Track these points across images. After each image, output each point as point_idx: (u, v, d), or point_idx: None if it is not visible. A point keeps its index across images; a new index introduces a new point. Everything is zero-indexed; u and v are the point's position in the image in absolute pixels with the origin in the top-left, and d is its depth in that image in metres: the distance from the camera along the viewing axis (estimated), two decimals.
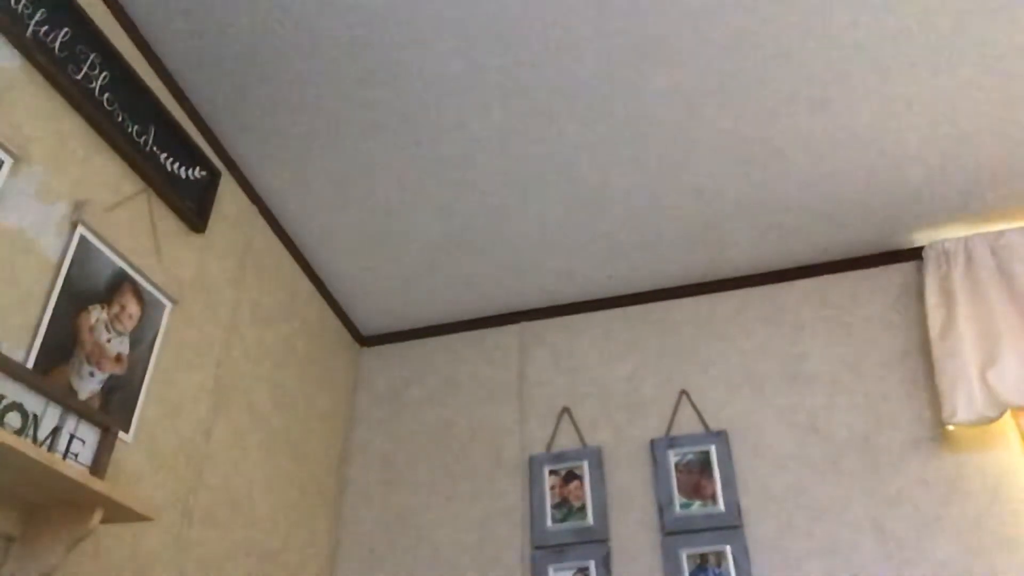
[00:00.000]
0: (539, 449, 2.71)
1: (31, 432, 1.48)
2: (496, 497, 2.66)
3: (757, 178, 2.42)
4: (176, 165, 2.11)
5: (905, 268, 2.66)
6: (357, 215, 2.61)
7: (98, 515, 1.47)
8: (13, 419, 1.45)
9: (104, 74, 1.88)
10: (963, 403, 2.26)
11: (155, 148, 2.04)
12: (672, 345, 2.79)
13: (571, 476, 2.59)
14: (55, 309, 1.64)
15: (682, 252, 2.73)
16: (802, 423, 2.50)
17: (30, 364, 1.55)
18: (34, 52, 1.66)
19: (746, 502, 2.41)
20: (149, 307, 1.94)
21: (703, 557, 2.33)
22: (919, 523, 2.25)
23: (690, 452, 2.52)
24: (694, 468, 2.49)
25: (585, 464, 2.60)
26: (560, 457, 2.64)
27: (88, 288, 1.75)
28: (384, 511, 2.75)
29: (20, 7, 1.64)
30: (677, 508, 2.44)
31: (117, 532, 1.73)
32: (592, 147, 2.34)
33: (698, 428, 2.59)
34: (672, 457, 2.53)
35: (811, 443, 2.46)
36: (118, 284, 1.85)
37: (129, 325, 1.86)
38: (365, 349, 3.18)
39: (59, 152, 1.73)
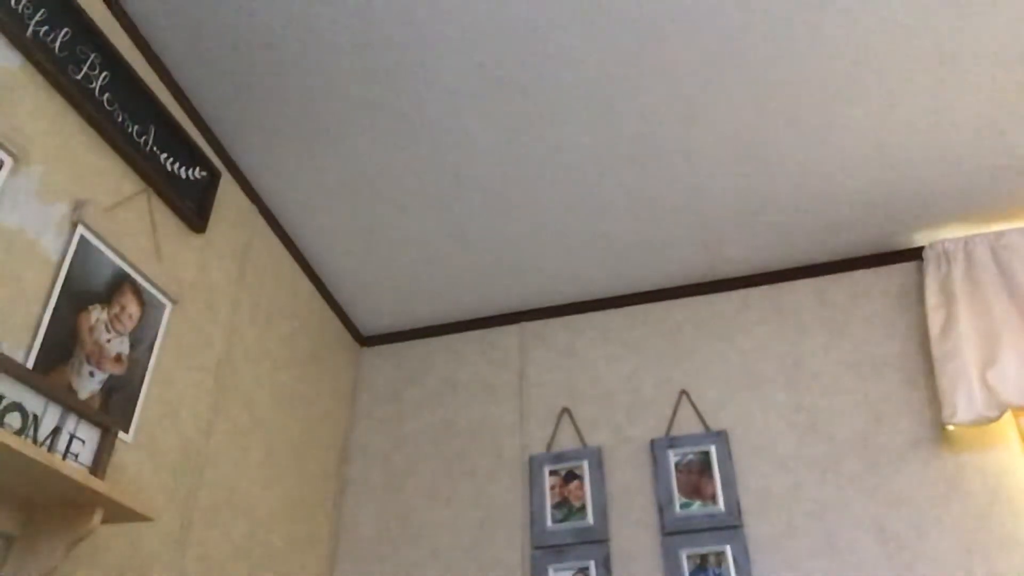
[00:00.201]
0: (539, 449, 2.71)
1: (31, 432, 1.48)
2: (496, 497, 2.66)
3: (757, 178, 2.42)
4: (176, 165, 2.11)
5: (905, 268, 2.66)
6: (357, 215, 2.61)
7: (98, 515, 1.47)
8: (13, 419, 1.45)
9: (104, 74, 1.88)
10: (963, 403, 2.26)
11: (155, 148, 2.04)
12: (672, 345, 2.79)
13: (571, 476, 2.59)
14: (55, 309, 1.64)
15: (682, 252, 2.73)
16: (802, 423, 2.50)
17: (30, 364, 1.55)
18: (34, 52, 1.66)
19: (746, 502, 2.41)
20: (149, 307, 1.94)
21: (703, 557, 2.33)
22: (919, 523, 2.25)
23: (690, 452, 2.52)
24: (694, 468, 2.49)
25: (585, 464, 2.60)
26: (560, 457, 2.64)
27: (88, 288, 1.75)
28: (384, 511, 2.75)
29: (20, 7, 1.64)
30: (677, 508, 2.44)
31: (117, 532, 1.73)
32: (592, 147, 2.34)
33: (698, 428, 2.59)
34: (672, 457, 2.53)
35: (811, 443, 2.46)
36: (118, 284, 1.85)
37: (129, 325, 1.86)
38: (365, 349, 3.18)
39: (59, 152, 1.73)
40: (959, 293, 2.44)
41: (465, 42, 2.05)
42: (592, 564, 2.41)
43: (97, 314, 1.77)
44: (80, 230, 1.74)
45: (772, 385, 2.60)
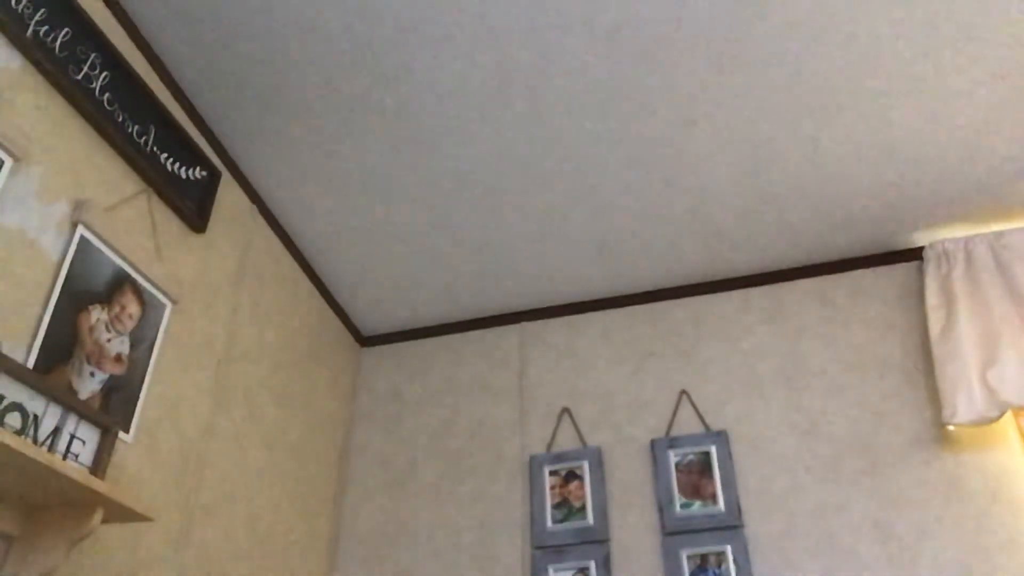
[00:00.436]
0: (539, 449, 2.71)
1: (31, 432, 1.48)
2: (496, 497, 2.66)
3: (757, 178, 2.42)
4: (176, 165, 2.11)
5: (905, 268, 2.66)
6: (357, 215, 2.61)
7: (98, 515, 1.47)
8: (13, 419, 1.45)
9: (104, 74, 1.88)
10: (963, 403, 2.26)
11: (155, 148, 2.04)
12: (672, 345, 2.79)
13: (571, 476, 2.59)
14: (55, 309, 1.64)
15: (682, 252, 2.73)
16: (802, 423, 2.50)
17: (30, 364, 1.55)
18: (34, 52, 1.66)
19: (746, 502, 2.41)
20: (149, 307, 1.94)
21: (703, 557, 2.33)
22: (919, 523, 2.25)
23: (690, 452, 2.52)
24: (694, 468, 2.49)
25: (585, 464, 2.60)
26: (560, 457, 2.64)
27: (88, 288, 1.75)
28: (384, 511, 2.75)
29: (20, 7, 1.64)
30: (677, 508, 2.43)
31: (117, 532, 1.73)
32: (593, 147, 2.34)
33: (698, 428, 2.59)
34: (672, 457, 2.53)
35: (811, 443, 2.46)
36: (118, 284, 1.85)
37: (129, 325, 1.86)
38: (365, 349, 3.18)
39: (59, 152, 1.73)
40: (959, 293, 2.44)
41: (466, 43, 2.05)
42: (592, 564, 2.41)
43: (97, 314, 1.77)
44: (80, 230, 1.74)
45: (772, 385, 2.60)
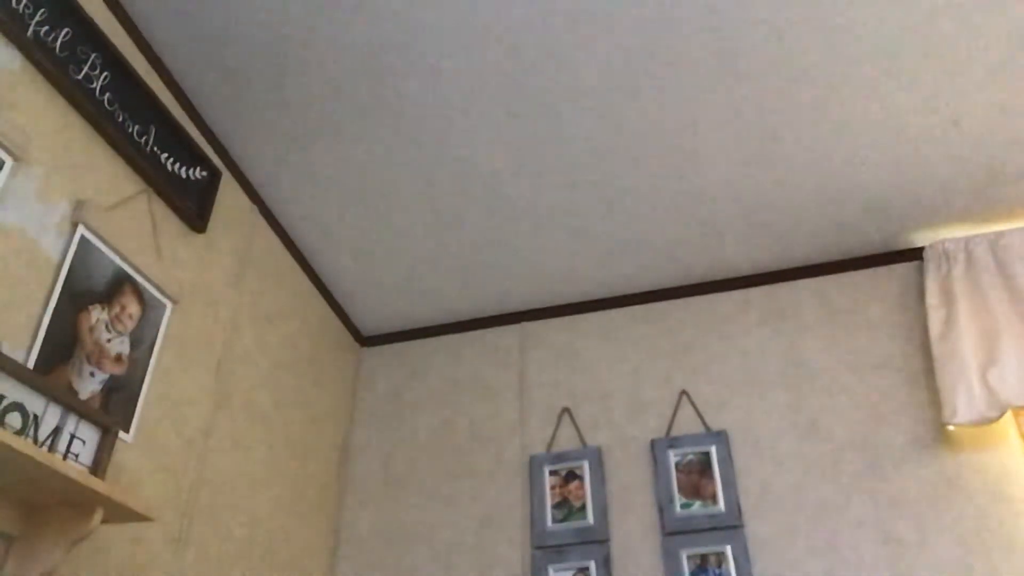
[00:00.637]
0: (539, 449, 2.71)
1: (32, 432, 1.48)
2: (496, 497, 2.66)
3: (757, 178, 2.42)
4: (176, 165, 2.11)
5: (905, 268, 2.66)
6: (357, 215, 2.61)
7: (98, 515, 1.47)
8: (14, 419, 1.45)
9: (105, 74, 1.88)
10: (963, 403, 2.26)
11: (155, 148, 2.04)
12: (672, 345, 2.79)
13: (571, 476, 2.59)
14: (55, 309, 1.64)
15: (682, 252, 2.73)
16: (802, 423, 2.50)
17: (30, 364, 1.55)
18: (35, 52, 1.66)
19: (746, 502, 2.41)
20: (149, 307, 1.94)
21: (703, 557, 2.33)
22: (919, 523, 2.25)
23: (690, 452, 2.52)
24: (694, 468, 2.49)
25: (585, 464, 2.60)
26: (560, 457, 2.64)
27: (88, 288, 1.75)
28: (384, 511, 2.75)
29: (21, 7, 1.64)
30: (677, 508, 2.43)
31: (117, 532, 1.73)
32: (593, 147, 2.34)
33: (698, 428, 2.59)
34: (672, 457, 2.53)
35: (811, 443, 2.46)
36: (118, 284, 1.85)
37: (129, 325, 1.86)
38: (365, 349, 3.18)
39: (59, 152, 1.73)
40: (959, 293, 2.44)
41: (466, 44, 2.05)
42: (592, 564, 2.41)
43: (97, 314, 1.77)
44: (80, 230, 1.74)
45: (772, 385, 2.60)
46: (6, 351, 1.48)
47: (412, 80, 2.15)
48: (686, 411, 2.64)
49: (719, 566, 2.30)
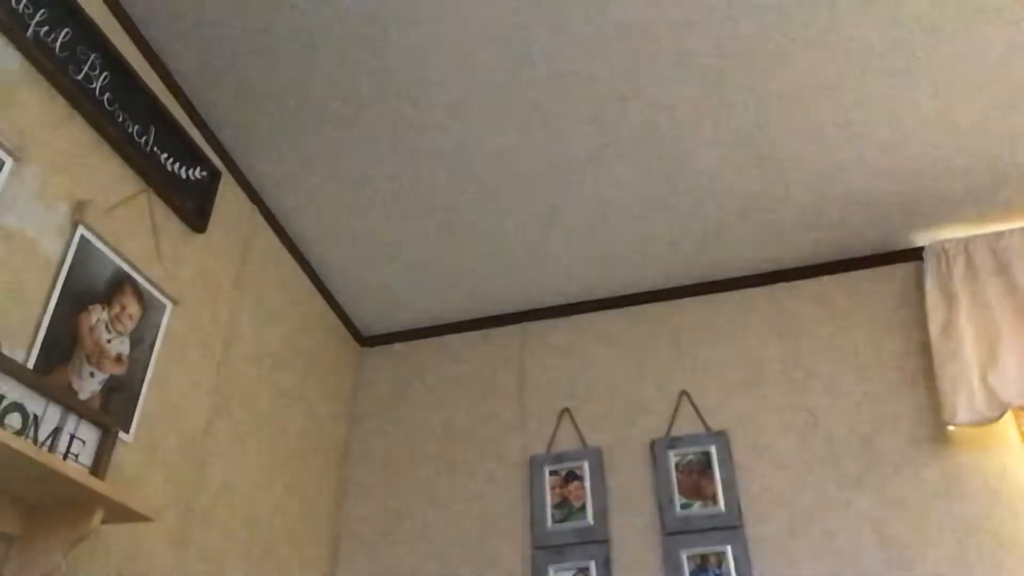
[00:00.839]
0: (539, 449, 2.71)
1: (32, 432, 1.48)
2: (496, 497, 2.66)
3: (758, 178, 2.42)
4: (176, 165, 2.11)
5: (905, 268, 2.66)
6: (357, 215, 2.61)
7: (98, 515, 1.47)
8: (14, 419, 1.45)
9: (105, 74, 1.88)
10: (964, 404, 2.26)
11: (155, 148, 2.04)
12: (672, 345, 2.78)
13: (571, 476, 2.59)
14: (55, 309, 1.64)
15: (682, 252, 2.73)
16: (802, 423, 2.50)
17: (30, 364, 1.55)
18: (34, 52, 1.66)
19: (746, 502, 2.41)
20: (149, 307, 1.94)
21: (703, 557, 2.33)
22: (919, 523, 2.25)
23: (690, 452, 2.52)
24: (694, 468, 2.49)
25: (585, 464, 2.60)
26: (560, 457, 2.64)
27: (88, 288, 1.75)
28: (384, 511, 2.75)
29: (21, 7, 1.64)
30: (677, 508, 2.43)
31: (117, 532, 1.73)
32: (593, 148, 2.33)
33: (698, 428, 2.59)
34: (672, 457, 2.53)
35: (811, 443, 2.46)
36: (118, 284, 1.85)
37: (129, 325, 1.86)
38: (366, 349, 3.18)
39: (59, 152, 1.73)
40: (959, 293, 2.44)
41: (466, 43, 2.05)
42: (592, 564, 2.41)
43: (97, 314, 1.77)
44: (80, 230, 1.74)
45: (772, 385, 2.60)
46: (6, 351, 1.48)
47: (412, 81, 2.15)
48: (686, 411, 2.64)
49: (719, 566, 2.30)
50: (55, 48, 1.73)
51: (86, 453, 1.59)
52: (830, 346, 2.61)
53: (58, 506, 1.48)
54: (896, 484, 2.32)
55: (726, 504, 2.40)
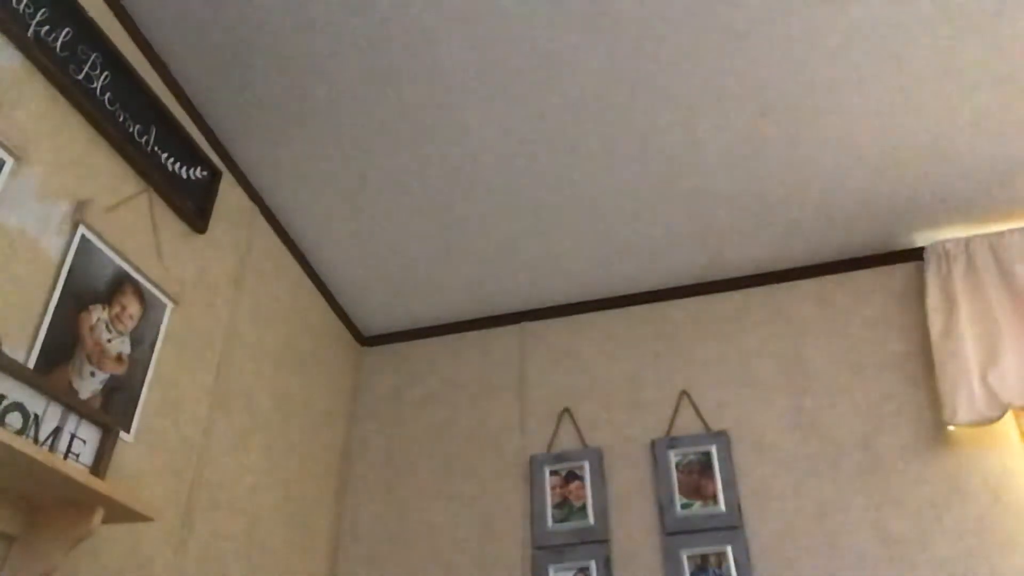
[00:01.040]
0: (540, 449, 2.71)
1: (32, 432, 1.48)
2: (497, 497, 2.66)
3: (757, 178, 2.42)
4: (177, 165, 2.11)
5: (906, 268, 2.66)
6: (358, 215, 2.61)
7: (99, 515, 1.47)
8: (14, 419, 1.45)
9: (105, 74, 1.88)
10: (964, 404, 2.26)
11: (156, 148, 2.04)
12: (672, 345, 2.78)
13: (572, 476, 2.59)
14: (56, 309, 1.64)
15: (682, 252, 2.73)
16: (802, 423, 2.50)
17: (31, 364, 1.55)
18: (35, 52, 1.66)
19: (746, 502, 2.41)
20: (150, 307, 1.94)
21: (704, 557, 2.33)
22: (919, 523, 2.25)
23: (691, 452, 2.52)
24: (695, 468, 2.49)
25: (586, 464, 2.60)
26: (561, 457, 2.64)
27: (89, 288, 1.75)
28: (385, 511, 2.75)
29: (21, 7, 1.64)
30: (678, 508, 2.43)
31: (117, 532, 1.73)
32: (592, 148, 2.34)
33: (699, 428, 2.59)
34: (673, 457, 2.53)
35: (811, 443, 2.46)
36: (119, 284, 1.85)
37: (130, 325, 1.86)
38: (366, 349, 3.18)
39: (60, 152, 1.73)
40: (960, 294, 2.44)
41: (466, 43, 2.05)
42: (593, 564, 2.41)
43: (98, 314, 1.77)
44: (81, 230, 1.74)
45: (772, 385, 2.60)
46: (6, 351, 1.48)
47: (413, 81, 2.15)
48: (686, 411, 2.64)
49: (719, 566, 2.30)
50: (56, 48, 1.73)
51: (86, 453, 1.59)
52: (830, 346, 2.61)
53: (58, 506, 1.48)
54: (896, 484, 2.32)
55: (726, 504, 2.40)
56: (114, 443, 1.65)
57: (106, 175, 1.87)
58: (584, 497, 2.54)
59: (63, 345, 1.65)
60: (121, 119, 1.92)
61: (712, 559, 2.32)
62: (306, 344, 2.75)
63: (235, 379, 2.29)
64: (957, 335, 2.37)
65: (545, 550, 2.48)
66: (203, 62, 2.13)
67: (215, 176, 2.27)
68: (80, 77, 1.79)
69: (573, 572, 2.42)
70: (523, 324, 3.01)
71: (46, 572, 1.44)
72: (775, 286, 2.79)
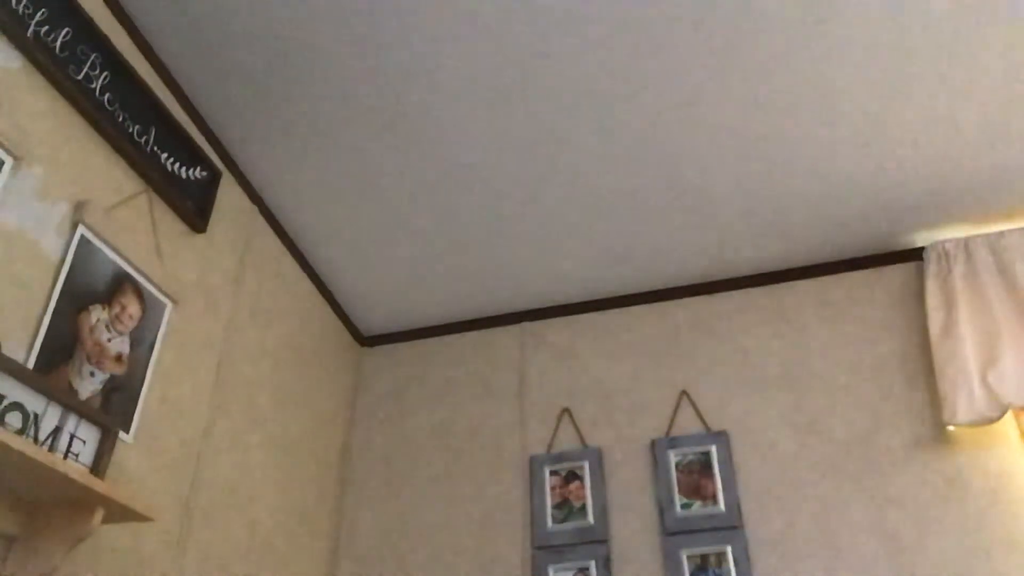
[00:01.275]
0: (540, 449, 2.70)
1: (32, 432, 1.48)
2: (497, 497, 2.66)
3: (757, 178, 2.42)
4: (177, 165, 2.11)
5: (905, 268, 2.66)
6: (357, 215, 2.61)
7: (98, 515, 1.47)
8: (14, 419, 1.45)
9: (105, 74, 1.88)
10: (964, 404, 2.26)
11: (156, 148, 2.04)
12: (672, 345, 2.78)
13: (572, 476, 2.59)
14: (56, 309, 1.64)
15: (682, 252, 2.73)
16: (802, 423, 2.50)
17: (31, 364, 1.55)
18: (35, 52, 1.66)
19: (746, 502, 2.41)
20: (150, 307, 1.94)
21: (703, 557, 2.33)
22: (919, 523, 2.25)
23: (691, 452, 2.52)
24: (695, 468, 2.49)
25: (586, 464, 2.60)
26: (561, 457, 2.64)
27: (89, 288, 1.75)
28: (384, 511, 2.75)
29: (21, 7, 1.64)
30: (678, 508, 2.43)
31: (117, 532, 1.73)
32: (592, 148, 2.34)
33: (699, 428, 2.59)
34: (673, 457, 2.53)
35: (811, 443, 2.46)
36: (119, 284, 1.85)
37: (130, 325, 1.86)
38: (366, 349, 3.18)
39: (59, 152, 1.73)
40: (959, 293, 2.44)
41: (466, 43, 2.05)
42: (592, 564, 2.41)
43: (98, 314, 1.77)
44: (81, 230, 1.74)
45: (772, 385, 2.60)
46: (6, 351, 1.48)
47: (412, 81, 2.15)
48: (686, 411, 2.64)
49: (719, 566, 2.30)
50: (55, 48, 1.73)
51: (86, 453, 1.59)
52: (830, 346, 2.61)
53: (58, 506, 1.48)
54: (896, 484, 2.32)
55: (726, 504, 2.40)
56: (114, 443, 1.65)
57: (106, 175, 1.87)
58: (584, 497, 2.54)
59: (63, 345, 1.65)
60: (121, 119, 1.92)
61: (712, 559, 2.32)
62: (306, 344, 2.75)
63: (235, 379, 2.29)
64: (957, 335, 2.37)
65: (545, 550, 2.48)
66: (203, 62, 2.13)
67: (215, 176, 2.27)
68: (80, 77, 1.79)
69: (573, 572, 2.42)
70: (523, 324, 3.01)
71: (46, 572, 1.44)
72: (775, 286, 2.79)
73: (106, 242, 1.81)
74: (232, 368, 2.28)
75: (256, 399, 2.39)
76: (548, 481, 2.60)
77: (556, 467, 2.62)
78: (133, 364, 1.85)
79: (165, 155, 2.07)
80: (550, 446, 2.70)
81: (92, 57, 1.84)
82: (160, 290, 1.98)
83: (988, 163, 2.33)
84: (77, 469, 1.39)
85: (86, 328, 1.72)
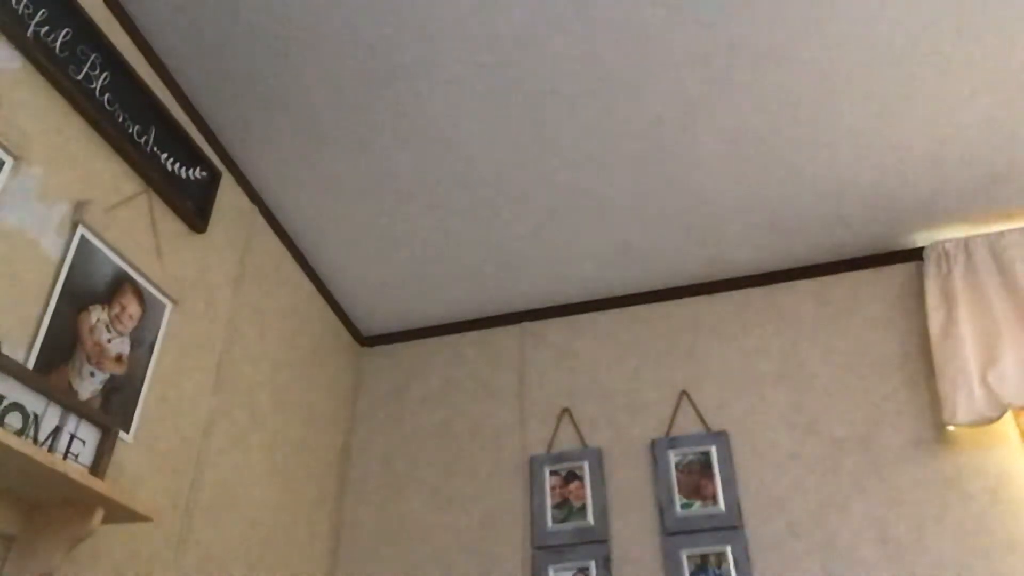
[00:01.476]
0: (540, 449, 2.71)
1: (32, 432, 1.48)
2: (496, 497, 2.66)
3: (757, 178, 2.42)
4: (177, 165, 2.11)
5: (905, 268, 2.66)
6: (357, 215, 2.61)
7: (98, 515, 1.47)
8: (14, 419, 1.45)
9: (105, 74, 1.88)
10: (963, 404, 2.26)
11: (156, 148, 2.04)
12: (672, 345, 2.79)
13: (572, 476, 2.59)
14: (55, 309, 1.64)
15: (682, 252, 2.73)
16: (802, 423, 2.50)
17: (31, 364, 1.55)
18: (35, 52, 1.66)
19: (746, 502, 2.41)
20: (150, 307, 1.94)
21: (703, 558, 2.33)
22: (919, 523, 2.25)
23: (691, 452, 2.52)
24: (695, 468, 2.49)
25: (586, 464, 2.60)
26: (561, 457, 2.64)
27: (89, 288, 1.75)
28: (384, 511, 2.75)
29: (21, 7, 1.64)
30: (678, 508, 2.43)
31: (117, 532, 1.73)
32: (593, 147, 2.34)
33: (699, 428, 2.59)
34: (672, 457, 2.53)
35: (811, 443, 2.46)
36: (119, 284, 1.85)
37: (130, 325, 1.86)
38: (366, 349, 3.18)
39: (59, 152, 1.73)
40: (959, 293, 2.44)
41: (466, 43, 2.05)
42: (592, 564, 2.41)
43: (97, 314, 1.77)
44: (81, 230, 1.74)
45: (772, 385, 2.60)
46: (6, 351, 1.48)
47: (412, 81, 2.15)
48: (686, 411, 2.64)
49: (719, 566, 2.30)
50: (55, 48, 1.73)
51: (86, 453, 1.59)
52: (830, 346, 2.61)
53: (58, 506, 1.48)
54: (896, 484, 2.32)
55: (726, 504, 2.40)
56: (113, 443, 1.65)
57: (106, 175, 1.87)
58: (584, 497, 2.54)
59: (63, 345, 1.65)
60: (121, 119, 1.92)
61: (712, 559, 2.32)
62: (306, 344, 2.75)
63: (235, 379, 2.29)
64: (956, 335, 2.37)
65: (545, 550, 2.48)
66: (203, 62, 2.13)
67: (215, 176, 2.27)
68: (79, 77, 1.79)
69: (573, 572, 2.42)
70: (523, 324, 3.01)
71: (46, 572, 1.44)
72: (775, 286, 2.79)
73: (106, 242, 1.81)
74: (232, 368, 2.28)
75: (256, 399, 2.39)
76: (548, 481, 2.60)
77: (556, 467, 2.62)
78: (133, 364, 1.85)
79: (165, 155, 2.07)
80: (550, 446, 2.70)
81: (92, 57, 1.84)
82: (160, 290, 1.98)
83: (988, 163, 2.33)
84: (77, 469, 1.39)
85: (86, 328, 1.72)
